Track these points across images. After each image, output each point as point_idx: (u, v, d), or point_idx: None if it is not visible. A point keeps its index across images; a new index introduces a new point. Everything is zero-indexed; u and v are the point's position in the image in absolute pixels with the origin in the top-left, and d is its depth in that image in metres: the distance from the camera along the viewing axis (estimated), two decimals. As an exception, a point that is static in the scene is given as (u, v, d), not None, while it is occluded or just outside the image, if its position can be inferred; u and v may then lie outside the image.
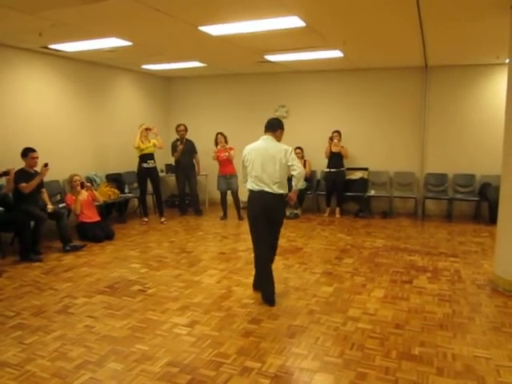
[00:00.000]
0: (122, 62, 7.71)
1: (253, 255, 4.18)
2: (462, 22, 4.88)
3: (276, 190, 3.95)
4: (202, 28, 5.09)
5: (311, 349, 3.13)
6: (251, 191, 4.04)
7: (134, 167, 7.49)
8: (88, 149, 7.61)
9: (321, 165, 8.27)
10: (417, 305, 3.95)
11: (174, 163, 8.33)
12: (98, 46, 6.10)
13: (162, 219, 7.60)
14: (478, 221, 7.54)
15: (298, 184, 4.00)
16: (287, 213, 7.58)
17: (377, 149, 8.31)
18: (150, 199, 8.06)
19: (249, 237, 4.12)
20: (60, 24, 4.92)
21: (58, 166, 6.30)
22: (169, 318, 3.66)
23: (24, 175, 5.48)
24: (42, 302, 4.02)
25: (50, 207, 5.78)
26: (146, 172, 7.35)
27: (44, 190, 5.89)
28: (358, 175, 8.28)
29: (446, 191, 7.86)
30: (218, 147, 7.69)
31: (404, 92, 8.07)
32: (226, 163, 7.71)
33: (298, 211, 8.01)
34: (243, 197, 8.07)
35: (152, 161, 7.36)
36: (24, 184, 5.42)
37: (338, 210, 8.11)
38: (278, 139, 4.12)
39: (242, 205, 7.93)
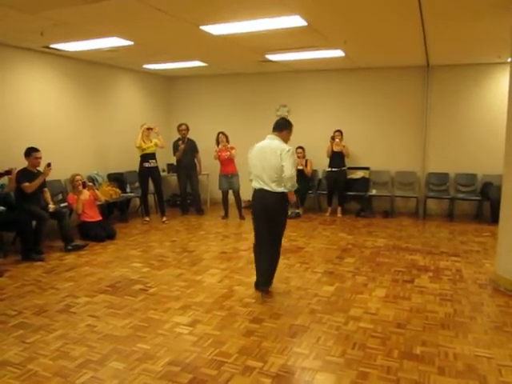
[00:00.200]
0: (123, 62, 7.72)
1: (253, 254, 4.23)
2: (464, 21, 4.87)
3: (274, 188, 4.00)
4: (204, 27, 5.09)
5: (313, 348, 3.13)
6: (254, 189, 4.14)
7: (136, 167, 7.50)
8: (89, 148, 7.62)
9: (322, 164, 8.27)
10: (418, 304, 3.94)
11: (175, 163, 8.34)
12: (100, 46, 6.11)
13: (164, 219, 7.61)
14: (479, 220, 7.53)
15: (287, 185, 4.00)
16: (288, 212, 7.56)
17: (378, 148, 8.30)
18: (151, 199, 8.07)
19: (250, 236, 4.14)
20: (61, 24, 4.93)
21: (59, 165, 6.30)
22: (170, 318, 3.67)
23: (27, 175, 5.49)
24: (43, 302, 4.03)
25: (51, 207, 5.79)
26: (147, 171, 7.36)
27: (46, 189, 5.91)
28: (359, 174, 8.28)
29: (448, 190, 7.85)
30: (220, 147, 7.69)
31: (405, 91, 8.06)
32: (227, 163, 7.71)
33: (299, 210, 8.01)
34: (244, 196, 8.14)
35: (154, 160, 7.37)
36: (27, 184, 5.43)
37: (339, 209, 8.11)
38: (285, 139, 4.15)
39: (243, 204, 7.94)
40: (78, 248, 5.78)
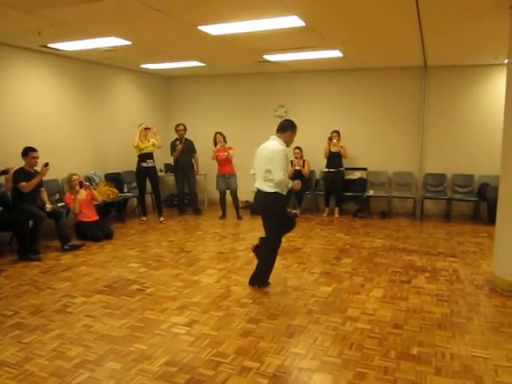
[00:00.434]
0: (121, 62, 7.71)
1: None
2: (461, 22, 4.89)
3: (266, 188, 4.09)
4: (201, 27, 5.09)
5: (310, 348, 3.14)
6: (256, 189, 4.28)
7: (133, 166, 7.48)
8: (87, 148, 7.60)
9: (320, 165, 8.27)
10: (415, 305, 3.95)
11: (173, 163, 8.33)
12: (97, 46, 6.10)
13: (161, 219, 7.60)
14: (476, 221, 7.55)
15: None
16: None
17: (376, 149, 8.31)
18: (148, 199, 8.05)
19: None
20: (59, 23, 4.92)
21: (56, 165, 6.29)
22: (167, 318, 3.66)
23: (24, 174, 5.47)
24: (40, 301, 4.02)
25: (48, 206, 5.78)
26: (145, 171, 7.35)
27: (43, 189, 5.89)
28: (356, 175, 8.29)
29: (445, 191, 7.87)
30: (217, 147, 7.69)
31: (403, 92, 8.08)
32: (224, 163, 7.71)
33: (296, 211, 8.01)
34: (242, 196, 8.14)
35: (151, 160, 7.37)
36: (24, 183, 5.41)
37: (336, 209, 8.12)
38: (287, 140, 4.20)
39: (240, 204, 7.93)
40: (74, 248, 5.77)
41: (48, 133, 6.80)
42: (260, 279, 4.34)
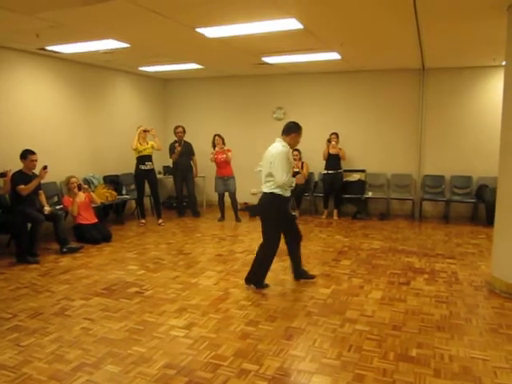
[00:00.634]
0: (119, 64, 7.71)
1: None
2: (459, 23, 4.90)
3: (265, 189, 4.17)
4: (199, 30, 5.09)
5: (309, 351, 3.13)
6: None
7: (132, 169, 7.48)
8: (85, 150, 7.60)
9: (318, 167, 8.29)
10: (414, 306, 3.95)
11: (171, 165, 8.33)
12: (96, 48, 6.10)
13: (160, 221, 7.59)
14: (475, 222, 7.56)
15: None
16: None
17: (374, 151, 8.32)
18: (147, 201, 8.05)
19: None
20: (57, 25, 4.92)
21: (55, 167, 6.29)
22: (166, 320, 3.65)
23: (22, 177, 5.47)
24: (38, 304, 4.01)
25: (47, 209, 5.76)
26: (143, 174, 7.35)
27: (41, 191, 5.88)
28: (355, 177, 8.28)
29: (443, 193, 7.88)
30: (216, 149, 7.69)
31: (401, 94, 8.09)
32: (223, 165, 7.71)
33: (295, 213, 8.01)
34: (241, 198, 8.13)
35: (150, 162, 7.37)
36: (22, 186, 5.40)
37: (335, 211, 8.12)
38: (292, 142, 4.24)
39: (239, 206, 7.93)
40: (73, 250, 5.76)
41: (46, 135, 6.79)
42: (256, 278, 4.34)
